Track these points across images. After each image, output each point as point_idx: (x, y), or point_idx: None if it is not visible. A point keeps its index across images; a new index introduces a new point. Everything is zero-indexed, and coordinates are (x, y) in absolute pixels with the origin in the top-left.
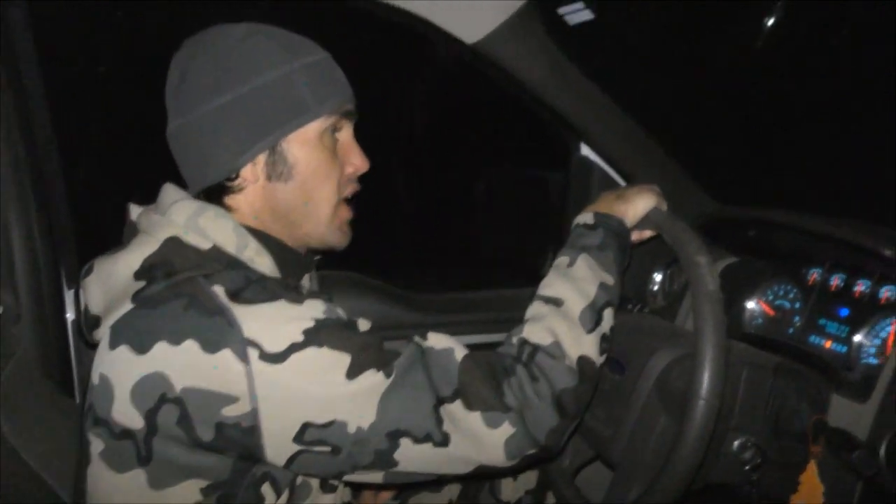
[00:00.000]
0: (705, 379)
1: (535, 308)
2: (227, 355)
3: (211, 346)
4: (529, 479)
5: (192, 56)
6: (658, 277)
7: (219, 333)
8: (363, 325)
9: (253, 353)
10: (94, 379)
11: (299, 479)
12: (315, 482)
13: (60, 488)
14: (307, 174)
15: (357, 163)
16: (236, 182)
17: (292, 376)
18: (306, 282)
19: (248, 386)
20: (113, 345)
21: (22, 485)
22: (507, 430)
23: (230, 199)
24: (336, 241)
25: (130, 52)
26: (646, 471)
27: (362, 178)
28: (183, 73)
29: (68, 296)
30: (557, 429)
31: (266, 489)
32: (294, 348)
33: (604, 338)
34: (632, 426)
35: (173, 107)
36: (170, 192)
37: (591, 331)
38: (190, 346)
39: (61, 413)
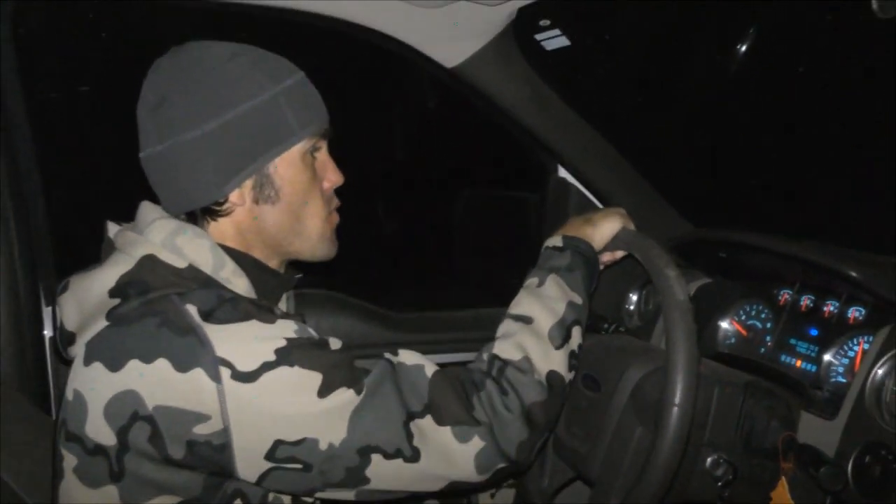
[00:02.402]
0: (678, 386)
1: (505, 326)
2: (198, 374)
3: (183, 365)
4: (507, 496)
5: (171, 78)
6: (633, 298)
7: (190, 352)
8: (334, 343)
9: (225, 373)
10: (68, 395)
11: (271, 496)
12: (287, 499)
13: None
14: (293, 195)
15: (333, 178)
16: (224, 207)
17: (264, 395)
18: (283, 303)
19: (219, 404)
20: (87, 361)
21: None
22: (476, 444)
23: (214, 222)
24: (325, 253)
25: (112, 70)
26: (624, 482)
27: (342, 200)
28: (161, 97)
29: (46, 313)
30: (527, 442)
31: None
32: (266, 367)
33: (572, 354)
34: (608, 440)
35: (149, 131)
36: (148, 210)
37: (559, 347)
38: (162, 364)
39: (38, 430)
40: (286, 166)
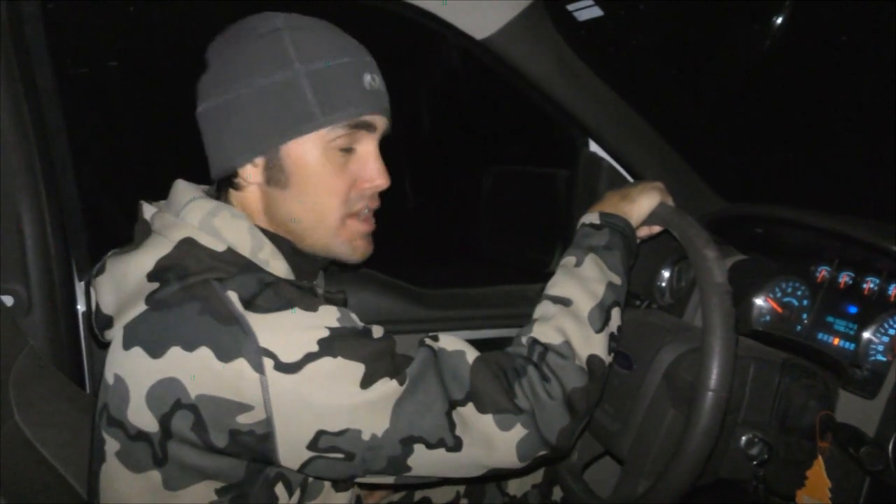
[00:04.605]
0: (713, 371)
1: (543, 307)
2: (241, 365)
3: (226, 355)
4: (536, 473)
5: (218, 45)
6: (666, 274)
7: (234, 342)
8: (377, 331)
9: (268, 363)
10: (109, 378)
11: (311, 479)
12: (327, 482)
13: (71, 476)
14: (307, 185)
15: (374, 179)
16: (237, 181)
17: (307, 386)
18: (320, 280)
19: (262, 395)
20: (127, 345)
21: (34, 473)
22: (519, 431)
23: (236, 195)
24: (345, 255)
25: (141, 48)
26: (654, 465)
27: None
28: (207, 62)
29: (79, 287)
30: (568, 428)
31: (279, 489)
32: (309, 358)
33: (612, 337)
34: (640, 420)
35: (198, 91)
36: (182, 189)
37: (599, 330)
38: (204, 353)
39: (72, 403)
40: (301, 152)
